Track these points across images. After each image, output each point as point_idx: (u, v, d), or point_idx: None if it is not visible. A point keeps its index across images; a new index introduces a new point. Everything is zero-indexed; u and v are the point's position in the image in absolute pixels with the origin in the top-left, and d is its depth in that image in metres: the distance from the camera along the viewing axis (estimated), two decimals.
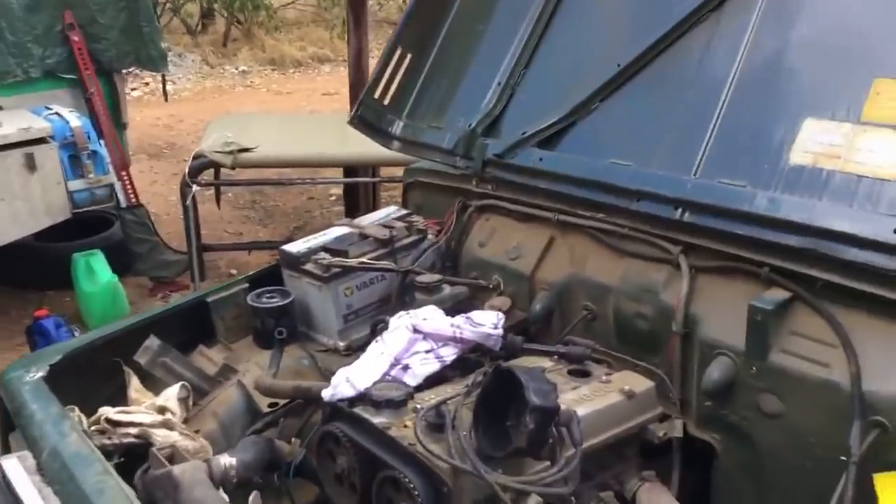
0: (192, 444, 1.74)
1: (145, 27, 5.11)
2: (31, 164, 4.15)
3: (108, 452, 1.66)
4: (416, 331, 1.69)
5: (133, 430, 1.72)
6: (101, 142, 4.68)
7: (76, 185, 4.36)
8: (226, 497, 1.41)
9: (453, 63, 2.38)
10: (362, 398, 1.52)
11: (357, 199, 5.57)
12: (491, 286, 2.08)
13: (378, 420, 1.46)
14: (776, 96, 1.68)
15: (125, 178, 5.05)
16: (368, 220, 2.27)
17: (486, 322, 1.75)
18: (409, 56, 2.41)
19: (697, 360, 1.67)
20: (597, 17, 2.12)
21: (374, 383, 1.55)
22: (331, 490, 1.52)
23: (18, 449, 1.62)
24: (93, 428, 1.73)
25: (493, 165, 2.13)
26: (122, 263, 4.85)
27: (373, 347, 1.70)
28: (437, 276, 2.03)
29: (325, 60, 12.35)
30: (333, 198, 6.71)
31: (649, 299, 1.76)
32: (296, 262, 2.08)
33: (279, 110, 8.87)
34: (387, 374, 1.61)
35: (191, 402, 1.91)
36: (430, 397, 1.54)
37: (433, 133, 2.31)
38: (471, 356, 1.74)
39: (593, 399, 1.59)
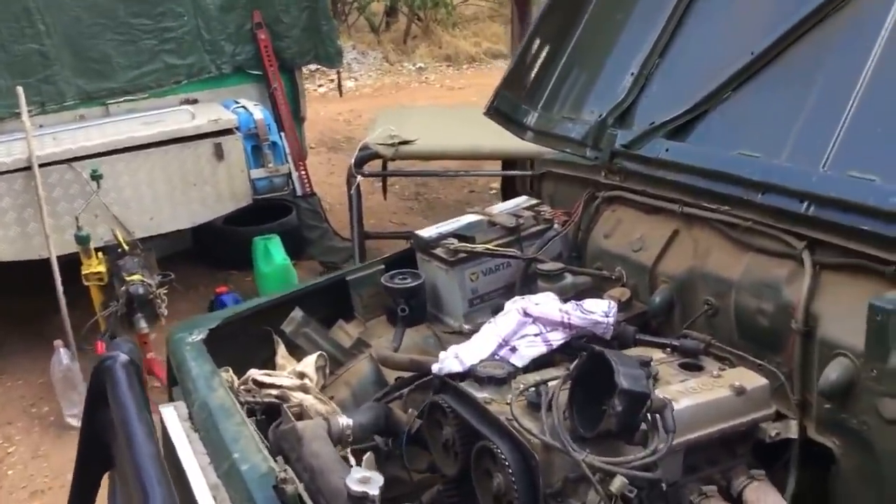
0: (324, 408, 1.92)
1: (324, 25, 5.48)
2: (219, 153, 4.62)
3: (252, 409, 1.88)
4: (525, 314, 1.76)
5: (274, 392, 1.92)
6: (282, 134, 5.10)
7: (257, 173, 4.79)
8: (339, 453, 1.56)
9: (590, 54, 2.41)
10: (469, 374, 1.62)
11: (515, 193, 5.65)
12: (613, 277, 2.09)
13: (480, 395, 1.54)
14: None
15: (302, 168, 5.45)
16: (499, 209, 2.35)
17: (597, 310, 1.78)
18: (546, 47, 2.46)
19: (818, 360, 1.60)
20: (735, 5, 2.07)
21: (481, 361, 1.64)
22: (437, 457, 1.63)
23: (178, 400, 1.87)
24: (242, 387, 1.96)
25: (620, 156, 2.14)
26: (296, 248, 5.26)
27: (485, 328, 1.79)
28: (559, 265, 2.08)
29: (498, 56, 12.53)
30: (493, 191, 6.84)
31: (771, 295, 1.71)
32: (426, 245, 2.21)
33: (450, 105, 9.12)
34: (495, 353, 1.69)
35: (327, 371, 2.10)
36: (534, 378, 1.61)
37: (566, 124, 2.35)
38: (580, 343, 1.77)
39: (700, 392, 1.57)
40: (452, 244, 2.15)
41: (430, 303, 2.23)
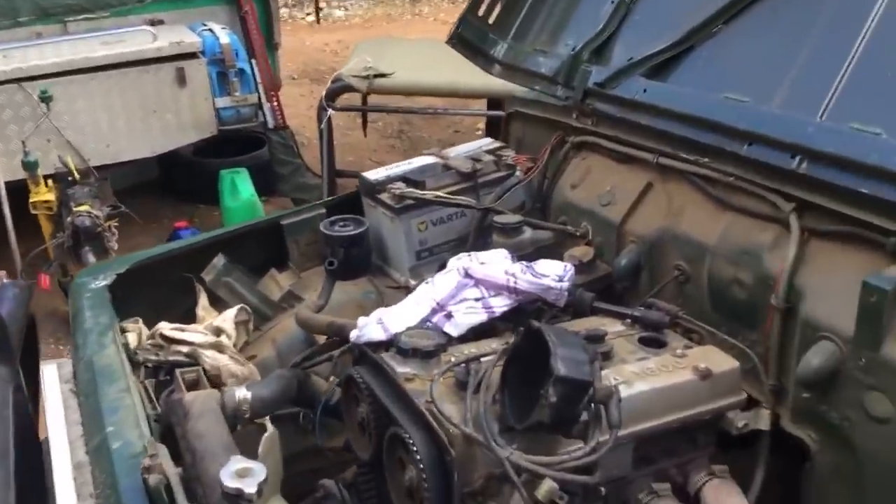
0: (240, 370, 1.70)
1: None
2: (181, 78, 4.32)
3: (156, 367, 1.66)
4: (466, 275, 1.52)
5: (184, 349, 1.70)
6: (253, 61, 4.78)
7: (223, 102, 4.50)
8: (230, 434, 1.34)
9: None
10: (392, 343, 1.39)
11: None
12: (578, 233, 1.86)
13: (402, 370, 1.32)
14: None
15: (274, 99, 5.13)
16: (457, 152, 2.10)
17: (550, 273, 1.55)
18: None
19: (799, 342, 1.38)
20: None
21: (409, 328, 1.41)
22: (352, 437, 1.41)
23: None
24: (149, 342, 1.74)
25: (594, 96, 1.87)
26: (267, 184, 5.00)
27: (420, 289, 1.55)
28: (517, 218, 1.84)
29: None
30: (479, 132, 6.54)
31: (750, 263, 1.48)
32: (372, 189, 1.96)
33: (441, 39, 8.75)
34: (427, 319, 1.46)
35: (251, 326, 1.87)
36: (471, 351, 1.39)
37: (537, 58, 2.07)
38: (529, 308, 1.55)
39: (658, 374, 1.35)
40: (399, 189, 1.90)
41: (375, 253, 1.99)
